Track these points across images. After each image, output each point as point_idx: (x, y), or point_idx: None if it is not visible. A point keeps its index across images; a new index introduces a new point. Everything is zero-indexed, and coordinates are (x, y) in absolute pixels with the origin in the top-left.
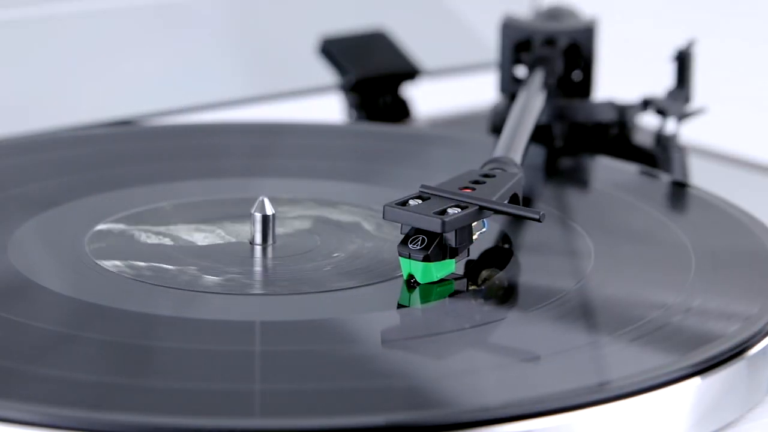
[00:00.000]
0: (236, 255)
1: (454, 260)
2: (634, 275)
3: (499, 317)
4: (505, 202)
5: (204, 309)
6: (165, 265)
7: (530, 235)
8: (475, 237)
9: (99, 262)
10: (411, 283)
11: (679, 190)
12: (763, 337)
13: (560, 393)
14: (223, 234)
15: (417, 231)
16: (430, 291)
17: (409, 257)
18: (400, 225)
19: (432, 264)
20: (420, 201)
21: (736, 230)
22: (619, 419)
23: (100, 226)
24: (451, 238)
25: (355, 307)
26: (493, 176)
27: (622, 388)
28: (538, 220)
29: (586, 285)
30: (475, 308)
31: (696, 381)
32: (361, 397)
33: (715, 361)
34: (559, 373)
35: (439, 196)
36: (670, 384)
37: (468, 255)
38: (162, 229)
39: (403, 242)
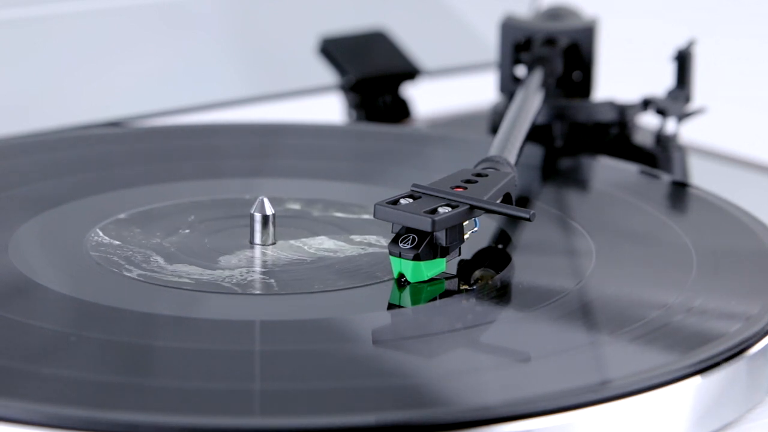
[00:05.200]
0: (236, 255)
1: (444, 259)
2: (634, 275)
3: (500, 317)
4: (498, 201)
5: (204, 309)
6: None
7: (531, 234)
8: (466, 236)
9: (99, 261)
10: (401, 282)
11: (679, 190)
12: (763, 336)
13: (560, 392)
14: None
15: (408, 230)
16: (433, 291)
17: (400, 256)
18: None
19: (422, 263)
20: (411, 200)
21: (736, 230)
22: (619, 419)
23: (98, 235)
24: (441, 237)
25: (357, 306)
26: (486, 175)
27: (623, 388)
28: (529, 220)
29: (587, 284)
30: (477, 308)
31: (696, 380)
32: (364, 396)
33: (716, 360)
34: (560, 373)
35: (430, 195)
36: (670, 383)
37: (459, 254)
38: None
39: (394, 241)
